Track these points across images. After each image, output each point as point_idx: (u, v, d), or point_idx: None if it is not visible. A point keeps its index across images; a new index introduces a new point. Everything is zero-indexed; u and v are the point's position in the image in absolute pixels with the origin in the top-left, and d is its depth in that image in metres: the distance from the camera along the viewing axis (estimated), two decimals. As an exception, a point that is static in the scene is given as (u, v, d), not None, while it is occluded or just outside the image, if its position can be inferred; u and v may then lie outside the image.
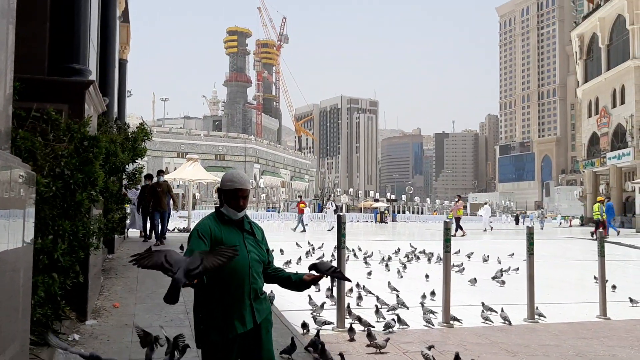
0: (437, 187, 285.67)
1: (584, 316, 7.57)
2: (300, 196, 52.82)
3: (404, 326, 6.07)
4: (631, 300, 8.82)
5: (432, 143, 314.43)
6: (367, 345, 5.08)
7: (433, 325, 6.31)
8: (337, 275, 3.20)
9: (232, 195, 3.06)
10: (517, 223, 57.44)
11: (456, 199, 27.01)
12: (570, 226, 51.79)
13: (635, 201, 38.95)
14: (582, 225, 53.93)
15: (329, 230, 26.79)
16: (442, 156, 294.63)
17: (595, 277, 10.49)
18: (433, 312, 6.67)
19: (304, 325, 5.73)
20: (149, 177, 15.45)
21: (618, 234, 26.47)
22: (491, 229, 32.67)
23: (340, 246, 6.16)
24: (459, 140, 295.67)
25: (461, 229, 25.11)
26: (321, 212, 57.05)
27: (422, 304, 7.11)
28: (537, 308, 7.12)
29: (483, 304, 7.16)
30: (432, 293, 8.09)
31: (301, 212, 27.64)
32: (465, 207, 64.54)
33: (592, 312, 7.71)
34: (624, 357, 5.36)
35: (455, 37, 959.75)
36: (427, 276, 10.04)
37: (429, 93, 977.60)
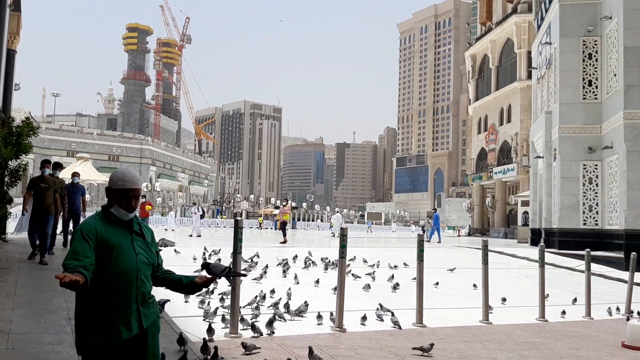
0: (337, 195, 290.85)
1: (469, 321, 7.95)
2: (194, 203, 51.78)
3: (298, 332, 6.08)
4: (504, 300, 9.48)
5: (334, 152, 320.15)
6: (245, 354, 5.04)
7: (330, 329, 6.37)
8: (233, 274, 3.13)
9: (123, 195, 2.91)
10: (423, 232, 59.53)
11: (284, 202, 25.30)
12: (459, 236, 54.53)
13: (518, 213, 41.74)
14: (469, 235, 56.98)
15: (191, 236, 24.37)
16: (342, 166, 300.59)
17: (474, 285, 11.13)
18: (330, 315, 6.73)
19: (196, 332, 5.57)
20: (58, 165, 11.42)
21: (439, 242, 28.33)
22: (333, 235, 33.59)
23: (237, 251, 6.07)
24: (359, 151, 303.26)
25: (285, 235, 22.70)
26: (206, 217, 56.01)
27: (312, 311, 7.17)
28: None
29: (381, 305, 7.38)
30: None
31: (145, 214, 23.83)
32: (294, 209, 64.90)
33: (476, 317, 8.12)
34: (503, 359, 5.68)
35: (359, 50, 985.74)
36: (317, 281, 10.19)
37: (332, 103, 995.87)
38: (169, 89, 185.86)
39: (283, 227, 23.41)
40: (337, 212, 65.23)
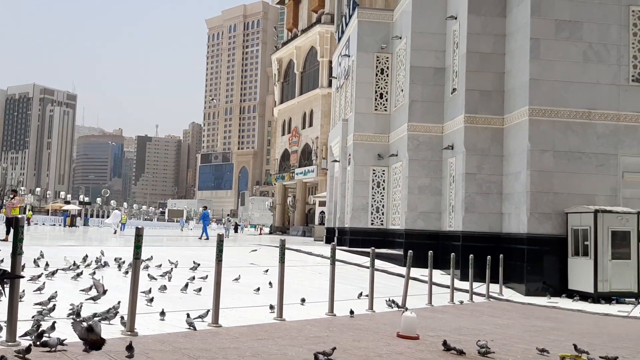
0: (137, 191, 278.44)
1: (263, 318, 8.18)
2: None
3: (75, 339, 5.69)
4: (303, 300, 9.94)
5: (134, 146, 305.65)
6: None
7: (121, 333, 6.07)
8: (8, 276, 2.83)
9: None
10: (236, 231, 59.46)
11: (11, 195, 21.67)
12: (260, 234, 55.75)
13: (315, 213, 44.00)
14: (271, 233, 58.58)
15: None
16: (143, 160, 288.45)
17: (270, 283, 11.51)
18: (119, 318, 6.41)
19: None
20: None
21: (207, 239, 29.22)
22: (115, 232, 33.19)
23: (16, 252, 5.49)
24: (162, 146, 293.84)
25: (7, 233, 18.68)
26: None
27: (95, 314, 6.78)
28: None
29: (188, 315, 7.17)
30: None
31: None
32: (25, 206, 59.76)
33: (271, 314, 8.38)
34: (293, 354, 5.94)
35: (166, 41, 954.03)
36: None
37: (134, 94, 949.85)
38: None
39: (9, 224, 19.21)
40: (116, 208, 63.23)
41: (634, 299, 14.25)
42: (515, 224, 16.58)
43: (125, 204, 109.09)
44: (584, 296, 14.52)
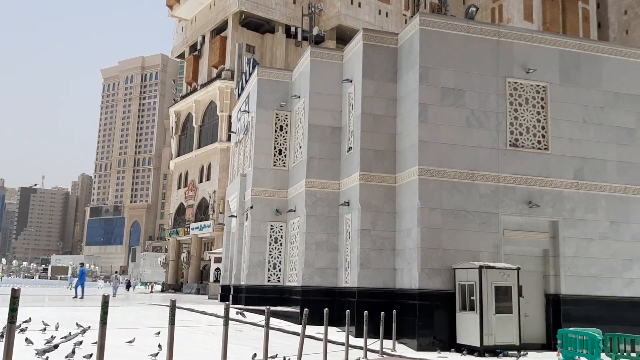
0: (17, 246, 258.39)
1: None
2: None
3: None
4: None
5: (17, 197, 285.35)
6: None
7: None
8: None
9: None
10: (127, 289, 56.32)
11: None
12: (152, 292, 53.31)
13: (211, 269, 42.90)
14: (163, 291, 56.20)
15: None
16: (26, 212, 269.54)
17: (159, 346, 10.94)
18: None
19: None
20: None
21: (82, 298, 28.12)
22: None
23: None
24: (48, 198, 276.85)
25: None
26: None
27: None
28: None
29: None
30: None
31: None
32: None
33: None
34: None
35: (54, 90, 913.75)
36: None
37: (17, 142, 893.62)
38: None
39: None
40: None
41: (516, 352, 14.98)
42: (408, 280, 17.07)
43: (3, 260, 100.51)
44: (471, 350, 15.07)
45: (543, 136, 18.10)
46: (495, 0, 59.18)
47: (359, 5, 54.82)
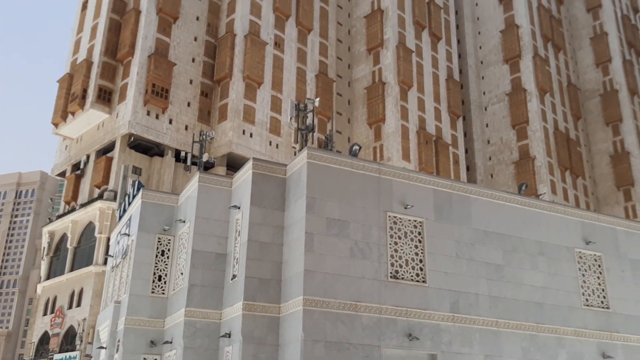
0: None
1: None
2: None
3: None
4: None
5: None
6: None
7: None
8: None
9: None
10: None
11: None
12: None
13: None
14: None
15: None
16: None
17: None
18: None
19: None
20: None
21: None
22: None
23: None
24: None
25: None
26: None
27: None
28: None
29: None
30: None
31: None
32: None
33: None
34: None
35: None
36: None
37: None
38: None
39: None
40: None
41: None
42: (289, 418, 16.21)
43: None
44: None
45: (421, 269, 18.86)
46: (376, 140, 63.81)
47: (251, 136, 56.64)
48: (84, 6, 62.69)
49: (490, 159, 72.88)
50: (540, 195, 57.96)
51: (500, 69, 75.33)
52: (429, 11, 72.06)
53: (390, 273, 18.25)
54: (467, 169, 71.81)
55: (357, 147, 20.59)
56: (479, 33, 79.82)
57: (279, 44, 61.09)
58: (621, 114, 77.01)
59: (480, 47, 79.02)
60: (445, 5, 76.24)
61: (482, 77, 77.38)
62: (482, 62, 78.21)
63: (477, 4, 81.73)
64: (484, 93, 76.55)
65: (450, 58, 73.52)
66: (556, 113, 74.13)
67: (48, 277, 56.28)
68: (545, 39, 77.48)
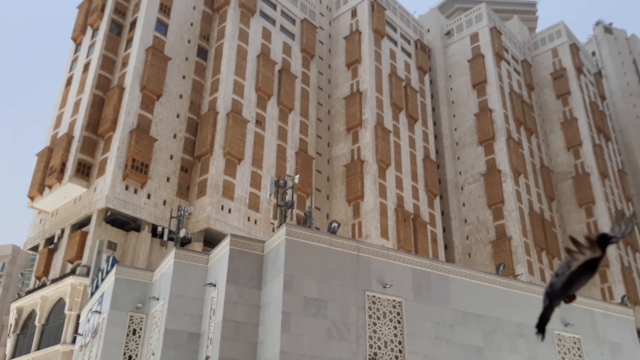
0: None
1: None
2: None
3: None
4: None
5: None
6: None
7: None
8: None
9: None
10: None
11: None
12: None
13: None
14: None
15: None
16: None
17: None
18: None
19: None
20: None
21: None
22: None
23: None
24: None
25: None
26: None
27: None
28: None
29: None
30: None
31: None
32: None
33: None
34: None
35: None
36: None
37: None
38: None
39: None
40: None
41: None
42: None
43: None
44: None
45: (400, 351, 18.49)
46: (355, 217, 64.00)
47: (229, 211, 56.44)
48: (69, 82, 63.65)
49: (467, 238, 73.34)
50: (518, 275, 58.01)
51: (475, 150, 77.31)
52: (406, 94, 74.59)
53: (369, 355, 17.85)
54: (445, 247, 71.98)
55: (336, 225, 20.64)
56: (454, 116, 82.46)
57: (260, 121, 62.24)
58: (593, 196, 78.81)
59: (456, 129, 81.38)
60: (421, 89, 79.09)
61: (458, 158, 79.21)
62: (457, 143, 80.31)
63: (451, 89, 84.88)
64: (460, 173, 78.13)
65: (426, 139, 75.47)
66: (530, 194, 75.64)
67: (13, 356, 53.69)
68: (518, 123, 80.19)
